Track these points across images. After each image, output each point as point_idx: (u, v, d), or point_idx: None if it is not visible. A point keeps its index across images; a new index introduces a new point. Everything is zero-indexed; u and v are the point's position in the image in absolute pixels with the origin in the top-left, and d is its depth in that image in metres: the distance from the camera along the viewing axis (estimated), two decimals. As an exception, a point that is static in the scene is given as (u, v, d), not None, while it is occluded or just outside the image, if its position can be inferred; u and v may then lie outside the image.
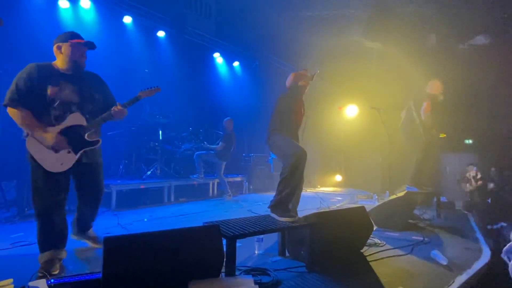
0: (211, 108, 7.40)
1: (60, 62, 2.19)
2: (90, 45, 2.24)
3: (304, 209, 2.62)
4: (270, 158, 7.52)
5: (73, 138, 2.16)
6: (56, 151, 2.11)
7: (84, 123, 2.20)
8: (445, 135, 4.77)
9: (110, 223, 3.60)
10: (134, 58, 6.09)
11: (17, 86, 2.03)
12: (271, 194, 6.37)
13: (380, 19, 6.95)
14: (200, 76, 7.30)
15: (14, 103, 2.02)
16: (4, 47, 4.29)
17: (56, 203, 2.15)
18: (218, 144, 5.81)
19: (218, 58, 7.86)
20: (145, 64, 6.10)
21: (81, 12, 5.36)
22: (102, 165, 2.44)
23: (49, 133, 2.08)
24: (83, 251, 2.57)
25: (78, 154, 2.19)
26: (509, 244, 2.15)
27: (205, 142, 5.95)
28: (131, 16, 6.00)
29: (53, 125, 2.12)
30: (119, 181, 4.83)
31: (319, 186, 8.07)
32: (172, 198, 5.34)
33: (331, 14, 6.94)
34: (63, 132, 2.13)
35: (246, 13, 7.15)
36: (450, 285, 2.04)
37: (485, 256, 2.64)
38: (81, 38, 2.23)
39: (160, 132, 5.87)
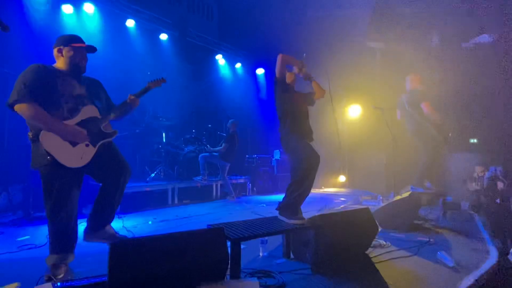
0: (214, 110, 7.42)
1: (61, 64, 2.18)
2: (91, 49, 2.27)
3: (308, 211, 2.61)
4: (273, 159, 7.52)
5: (90, 130, 2.11)
6: (74, 144, 2.04)
7: (99, 115, 2.20)
8: (450, 135, 4.73)
9: (115, 226, 3.59)
10: (137, 61, 6.14)
11: (24, 83, 1.93)
12: (274, 196, 6.40)
13: (383, 19, 6.93)
14: (203, 78, 7.34)
15: (24, 98, 1.90)
16: (10, 51, 4.35)
17: (69, 204, 2.08)
18: (221, 145, 5.83)
19: (220, 60, 7.89)
20: (148, 66, 6.14)
21: (85, 17, 5.41)
22: (117, 148, 2.33)
23: (72, 126, 2.03)
24: (89, 254, 2.58)
25: (97, 146, 2.15)
26: None
27: (208, 146, 5.97)
28: (134, 20, 6.04)
29: (67, 119, 2.05)
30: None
31: (323, 187, 8.05)
32: (176, 200, 5.35)
33: (334, 14, 6.93)
34: (80, 125, 2.09)
35: (247, 15, 7.17)
36: (457, 287, 2.02)
37: (493, 257, 2.60)
38: (82, 41, 2.23)
39: (164, 134, 5.90)
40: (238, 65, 8.24)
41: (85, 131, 2.09)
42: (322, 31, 6.98)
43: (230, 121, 5.95)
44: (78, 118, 2.10)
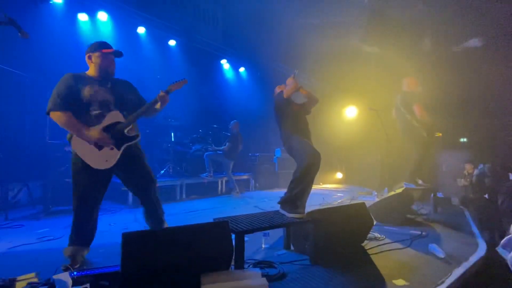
0: (219, 111, 7.42)
1: (92, 70, 2.21)
2: (118, 54, 2.26)
3: (308, 205, 2.60)
4: (274, 157, 7.51)
5: (114, 135, 2.14)
6: (100, 148, 2.10)
7: (123, 119, 2.20)
8: (441, 134, 4.69)
9: (128, 219, 3.64)
10: (147, 65, 6.13)
11: (57, 93, 2.05)
12: (276, 191, 6.39)
13: (378, 25, 6.89)
14: (208, 81, 7.33)
15: (56, 107, 2.03)
16: (29, 57, 4.37)
17: (93, 201, 2.16)
18: (225, 145, 5.83)
19: (225, 64, 7.89)
20: (157, 71, 6.15)
21: (99, 24, 5.42)
22: (144, 158, 2.35)
23: (92, 131, 2.07)
24: (104, 245, 2.58)
25: (121, 150, 2.16)
26: (507, 237, 2.10)
27: (212, 145, 5.98)
28: (145, 27, 6.05)
29: (94, 124, 2.11)
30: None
31: (321, 183, 8.03)
32: (184, 196, 5.37)
33: (332, 21, 6.90)
34: (105, 130, 2.12)
35: (250, 22, 7.15)
36: (448, 277, 2.00)
37: (481, 249, 2.59)
38: (110, 47, 2.24)
39: (172, 134, 5.90)
40: (242, 69, 8.23)
41: (108, 136, 2.11)
42: (321, 36, 6.96)
43: (232, 122, 5.96)
44: (104, 123, 2.13)
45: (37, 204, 4.03)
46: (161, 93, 2.28)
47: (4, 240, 2.71)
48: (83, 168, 2.08)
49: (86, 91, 2.09)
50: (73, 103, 2.06)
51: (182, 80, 2.41)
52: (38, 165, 4.04)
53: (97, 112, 2.11)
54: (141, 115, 2.28)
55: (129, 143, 2.20)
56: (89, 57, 2.19)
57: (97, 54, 2.18)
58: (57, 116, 2.03)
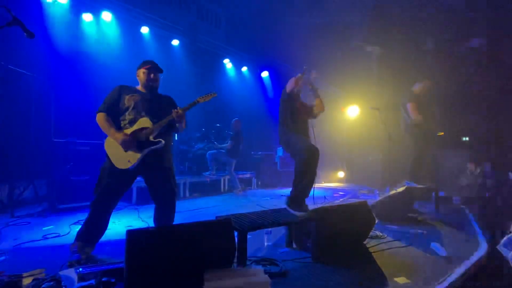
0: (222, 110, 7.42)
1: (140, 85, 2.46)
2: (158, 70, 2.45)
3: (310, 204, 2.60)
4: (277, 156, 7.51)
5: (139, 139, 2.26)
6: (126, 149, 2.24)
7: (150, 125, 2.29)
8: (443, 133, 4.66)
9: (132, 217, 3.65)
10: (151, 65, 6.14)
11: (104, 100, 2.34)
12: (278, 190, 6.38)
13: (380, 24, 6.85)
14: (211, 80, 7.33)
15: (100, 109, 2.32)
16: (35, 58, 4.39)
17: (110, 201, 2.27)
18: (227, 143, 5.83)
19: (227, 63, 7.89)
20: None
21: (103, 24, 5.44)
22: (171, 171, 2.43)
23: (119, 133, 2.24)
24: (109, 243, 2.60)
25: (143, 153, 2.24)
26: (508, 236, 2.09)
27: (215, 142, 5.98)
28: (148, 27, 6.06)
29: (127, 128, 2.29)
30: (138, 178, 4.88)
31: (323, 182, 8.02)
32: (187, 194, 5.38)
33: (334, 20, 6.87)
34: (132, 134, 2.26)
35: (253, 23, 7.14)
36: (449, 275, 1.99)
37: (483, 248, 2.57)
38: (151, 64, 2.43)
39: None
40: (244, 69, 8.22)
41: (131, 139, 2.23)
42: (323, 36, 6.94)
43: (233, 119, 5.95)
44: (134, 127, 2.28)
45: (43, 201, 4.05)
46: (177, 111, 2.30)
47: (11, 237, 2.74)
48: (108, 167, 2.25)
49: (126, 99, 2.33)
50: (112, 108, 2.31)
51: (211, 93, 2.50)
52: (43, 163, 4.06)
53: (131, 117, 2.30)
54: (163, 124, 2.32)
55: (151, 148, 2.26)
56: (137, 75, 2.45)
57: (141, 71, 2.42)
58: (97, 116, 2.30)
